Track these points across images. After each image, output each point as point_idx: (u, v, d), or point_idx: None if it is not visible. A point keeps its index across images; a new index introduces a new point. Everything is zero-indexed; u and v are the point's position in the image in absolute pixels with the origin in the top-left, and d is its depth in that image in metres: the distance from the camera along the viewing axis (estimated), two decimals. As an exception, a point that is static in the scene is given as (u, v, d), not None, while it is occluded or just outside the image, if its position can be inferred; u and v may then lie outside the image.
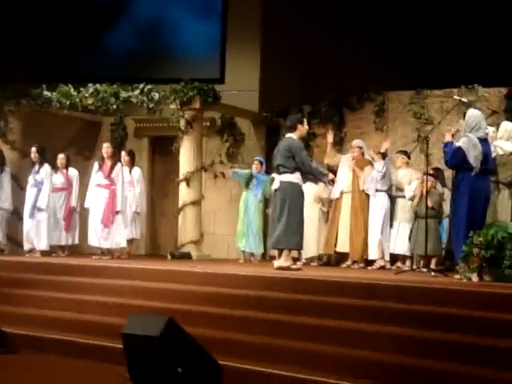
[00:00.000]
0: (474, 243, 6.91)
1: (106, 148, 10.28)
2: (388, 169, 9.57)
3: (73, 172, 10.82)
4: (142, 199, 10.93)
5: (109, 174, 10.15)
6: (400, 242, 9.47)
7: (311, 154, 10.71)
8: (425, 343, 5.54)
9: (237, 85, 12.12)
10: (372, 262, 9.56)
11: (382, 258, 9.48)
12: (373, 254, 9.50)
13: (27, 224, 10.34)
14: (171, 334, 5.12)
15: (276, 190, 8.25)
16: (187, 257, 10.68)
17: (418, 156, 10.25)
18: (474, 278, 6.92)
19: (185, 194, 11.07)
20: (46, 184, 10.37)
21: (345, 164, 9.96)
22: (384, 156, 9.62)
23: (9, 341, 6.95)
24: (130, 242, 10.70)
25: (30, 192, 10.43)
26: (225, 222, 11.79)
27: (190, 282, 7.57)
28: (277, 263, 8.15)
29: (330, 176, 8.67)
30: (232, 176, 11.09)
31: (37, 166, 10.47)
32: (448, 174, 8.99)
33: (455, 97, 8.96)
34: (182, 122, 10.97)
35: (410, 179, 9.55)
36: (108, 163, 10.20)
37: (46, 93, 11.40)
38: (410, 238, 9.29)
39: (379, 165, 9.53)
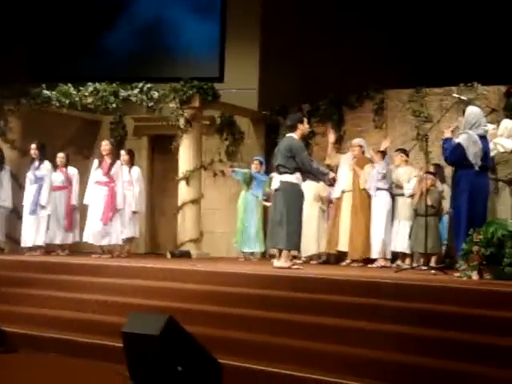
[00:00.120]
0: (474, 241, 6.91)
1: (104, 145, 10.29)
2: (389, 168, 9.58)
3: (72, 171, 10.82)
4: (141, 198, 10.91)
5: (108, 171, 10.15)
6: (400, 240, 9.47)
7: (310, 152, 10.71)
8: (424, 341, 5.54)
9: (236, 83, 12.12)
10: (372, 261, 9.56)
11: (384, 257, 9.49)
12: (375, 253, 9.51)
13: (27, 221, 10.35)
14: (171, 333, 5.12)
15: (276, 190, 8.27)
16: (187, 255, 10.68)
17: (418, 154, 10.26)
18: (474, 275, 6.91)
19: (184, 192, 11.07)
20: (46, 180, 10.39)
21: (345, 163, 9.96)
22: (384, 155, 9.63)
23: (8, 340, 6.96)
24: (130, 240, 10.70)
25: (30, 189, 10.44)
26: (224, 220, 11.79)
27: (189, 280, 7.57)
28: (277, 263, 8.16)
29: (331, 174, 8.66)
30: (231, 175, 11.09)
31: (37, 163, 10.48)
32: (448, 170, 8.99)
33: (454, 95, 8.95)
34: (182, 121, 10.97)
35: (409, 177, 9.55)
36: (107, 160, 10.20)
37: (46, 92, 11.40)
38: (410, 236, 9.30)
39: (380, 166, 9.53)
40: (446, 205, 8.83)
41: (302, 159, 8.15)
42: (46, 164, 10.48)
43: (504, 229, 6.84)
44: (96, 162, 10.35)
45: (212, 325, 6.46)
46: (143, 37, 12.94)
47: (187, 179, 11.00)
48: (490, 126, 8.22)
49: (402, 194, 9.55)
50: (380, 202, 9.54)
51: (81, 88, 11.32)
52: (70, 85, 11.37)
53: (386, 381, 5.26)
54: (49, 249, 10.63)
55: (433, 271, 7.93)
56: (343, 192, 9.85)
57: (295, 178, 8.16)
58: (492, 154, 7.96)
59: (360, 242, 9.58)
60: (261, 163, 10.70)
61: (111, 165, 10.18)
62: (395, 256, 9.63)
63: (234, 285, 7.20)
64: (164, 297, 7.22)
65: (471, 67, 11.39)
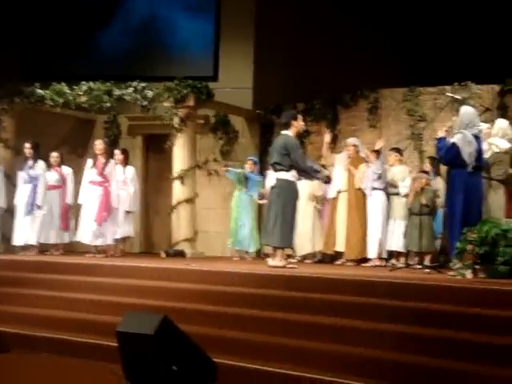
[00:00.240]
0: (468, 240, 6.92)
1: (97, 145, 10.27)
2: (384, 168, 9.58)
3: (67, 170, 10.79)
4: (135, 198, 10.88)
5: (102, 171, 10.12)
6: (395, 239, 9.48)
7: (305, 151, 10.70)
8: (419, 340, 5.54)
9: (230, 82, 12.12)
10: (367, 260, 9.56)
11: (380, 257, 9.49)
12: (372, 252, 9.51)
13: (22, 220, 10.31)
14: (166, 332, 5.11)
15: (272, 188, 8.27)
16: (181, 255, 10.67)
17: (412, 153, 10.26)
18: (468, 274, 6.93)
19: (179, 191, 11.05)
20: (41, 180, 10.36)
21: (340, 163, 9.96)
22: (378, 154, 9.63)
23: (0, 340, 6.92)
24: (124, 240, 10.68)
25: (24, 188, 10.41)
26: (219, 219, 11.78)
27: (184, 279, 7.56)
28: (271, 262, 8.15)
29: (326, 172, 8.65)
30: (225, 174, 11.08)
31: (31, 162, 10.45)
32: (442, 167, 8.98)
33: (448, 94, 8.97)
34: (176, 120, 10.95)
35: (403, 176, 9.56)
36: (101, 160, 10.18)
37: (40, 91, 11.36)
38: (404, 235, 9.30)
39: (375, 166, 9.53)
40: (442, 198, 8.77)
41: (297, 157, 8.15)
42: (40, 163, 10.45)
43: (498, 228, 6.87)
44: (90, 161, 10.33)
45: (207, 324, 6.45)
46: (137, 36, 12.92)
47: (182, 178, 10.99)
48: (484, 126, 8.22)
49: (397, 193, 9.55)
50: (376, 202, 9.54)
51: (74, 87, 11.29)
52: (63, 84, 11.33)
53: (382, 379, 5.26)
54: (43, 248, 10.60)
55: (427, 270, 7.93)
56: (339, 192, 9.85)
57: (291, 175, 8.16)
58: (487, 154, 7.97)
59: (356, 241, 9.58)
60: (255, 163, 10.69)
61: (105, 164, 10.16)
62: (390, 255, 9.64)
63: (228, 284, 7.19)
64: (158, 296, 7.20)
65: (465, 66, 11.41)
